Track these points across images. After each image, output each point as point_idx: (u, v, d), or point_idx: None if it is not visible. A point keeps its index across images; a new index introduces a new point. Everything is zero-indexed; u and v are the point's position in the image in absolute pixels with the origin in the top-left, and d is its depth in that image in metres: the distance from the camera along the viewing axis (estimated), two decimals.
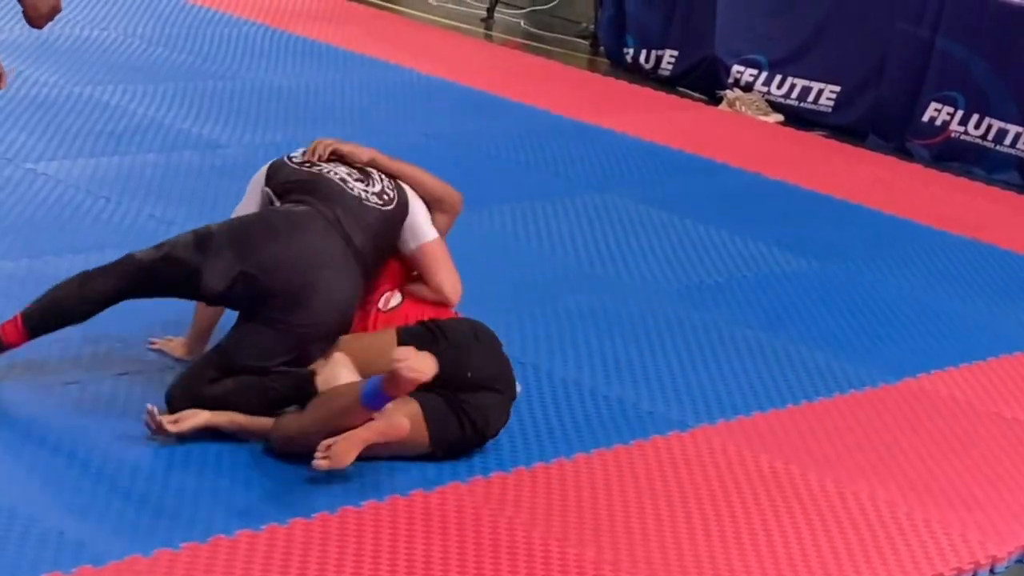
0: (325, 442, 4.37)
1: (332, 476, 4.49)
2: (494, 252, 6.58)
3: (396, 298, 5.01)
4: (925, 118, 9.33)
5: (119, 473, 4.42)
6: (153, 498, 4.32)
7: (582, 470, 4.76)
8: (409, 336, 4.69)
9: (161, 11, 9.99)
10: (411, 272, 5.11)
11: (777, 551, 4.43)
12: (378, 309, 4.96)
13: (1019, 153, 9.04)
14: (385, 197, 5.01)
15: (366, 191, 4.98)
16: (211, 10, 10.16)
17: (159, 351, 5.13)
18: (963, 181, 8.82)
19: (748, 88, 9.94)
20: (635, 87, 9.98)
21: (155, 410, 4.54)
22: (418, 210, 5.11)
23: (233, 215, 5.01)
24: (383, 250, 4.97)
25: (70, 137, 7.39)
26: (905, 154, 9.27)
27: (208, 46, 9.37)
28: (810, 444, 5.14)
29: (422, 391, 4.48)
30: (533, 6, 11.72)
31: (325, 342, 4.69)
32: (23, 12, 4.55)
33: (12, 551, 3.96)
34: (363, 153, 5.16)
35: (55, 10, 4.54)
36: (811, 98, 9.78)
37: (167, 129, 7.72)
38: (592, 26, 11.14)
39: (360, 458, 4.40)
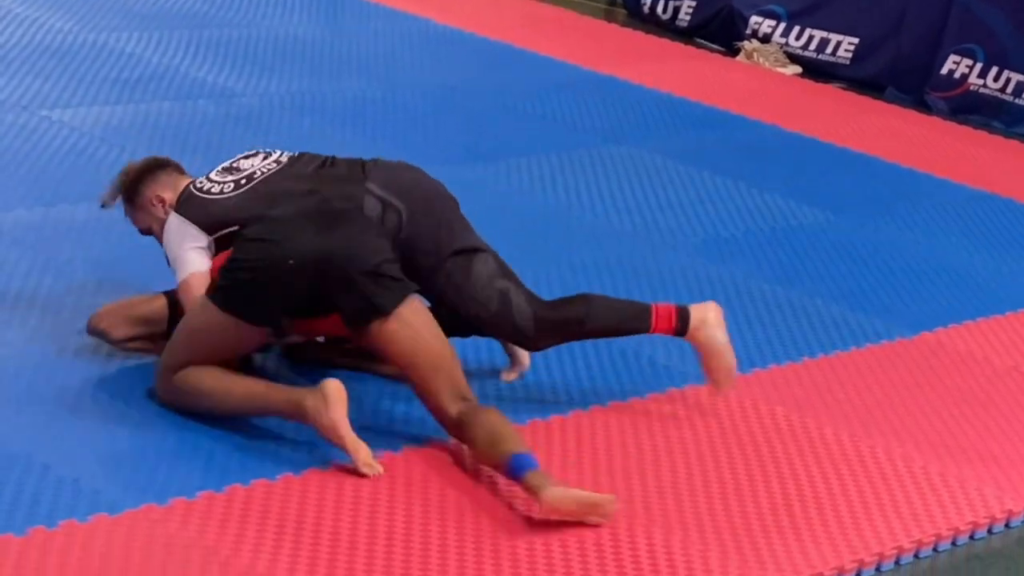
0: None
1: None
2: (509, 205, 6.56)
3: None
4: (944, 71, 9.28)
5: (137, 424, 4.42)
6: (168, 449, 4.32)
7: (598, 422, 4.75)
8: None
9: None
10: None
11: (792, 504, 4.42)
12: None
13: None
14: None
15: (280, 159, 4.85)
16: None
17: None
18: (982, 134, 8.77)
19: (766, 39, 9.89)
20: (652, 38, 9.93)
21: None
22: None
23: (185, 275, 4.63)
24: None
25: (85, 84, 7.37)
26: (923, 107, 9.23)
27: None
28: (826, 397, 5.12)
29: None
30: None
31: None
32: None
33: (28, 498, 3.96)
34: None
35: None
36: (829, 50, 9.72)
37: (182, 77, 7.70)
38: None
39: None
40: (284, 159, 4.80)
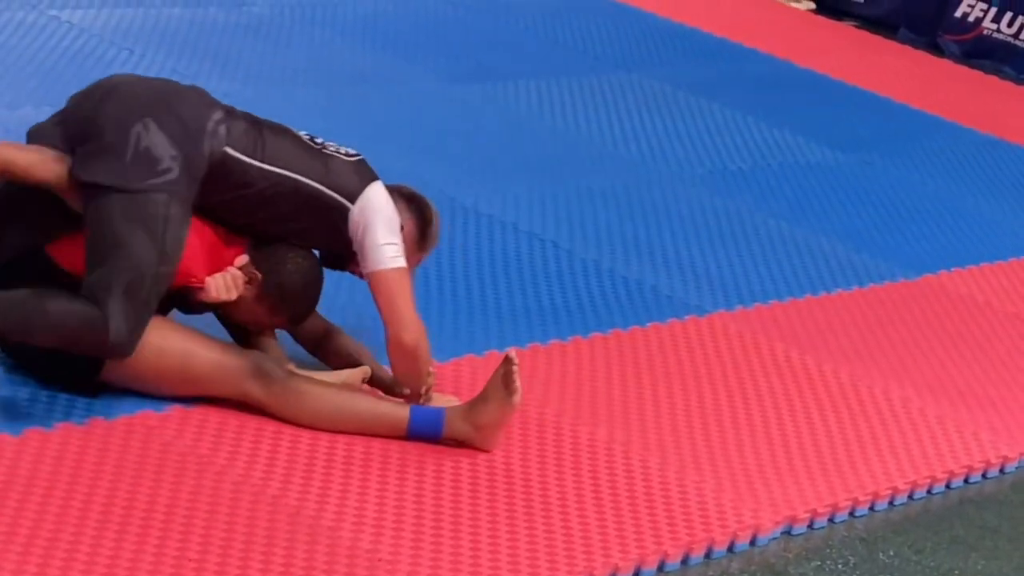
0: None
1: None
2: (515, 127, 6.53)
3: None
4: (958, 14, 9.23)
5: None
6: None
7: (598, 350, 4.74)
8: None
9: None
10: None
11: (788, 440, 4.42)
12: None
13: None
14: None
15: None
16: None
17: None
18: (993, 79, 8.73)
19: None
20: None
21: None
22: None
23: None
24: None
25: None
26: (936, 49, 9.18)
27: None
28: (827, 335, 5.12)
29: None
30: None
31: None
32: None
33: (24, 401, 3.95)
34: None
35: None
36: None
37: None
38: None
39: None
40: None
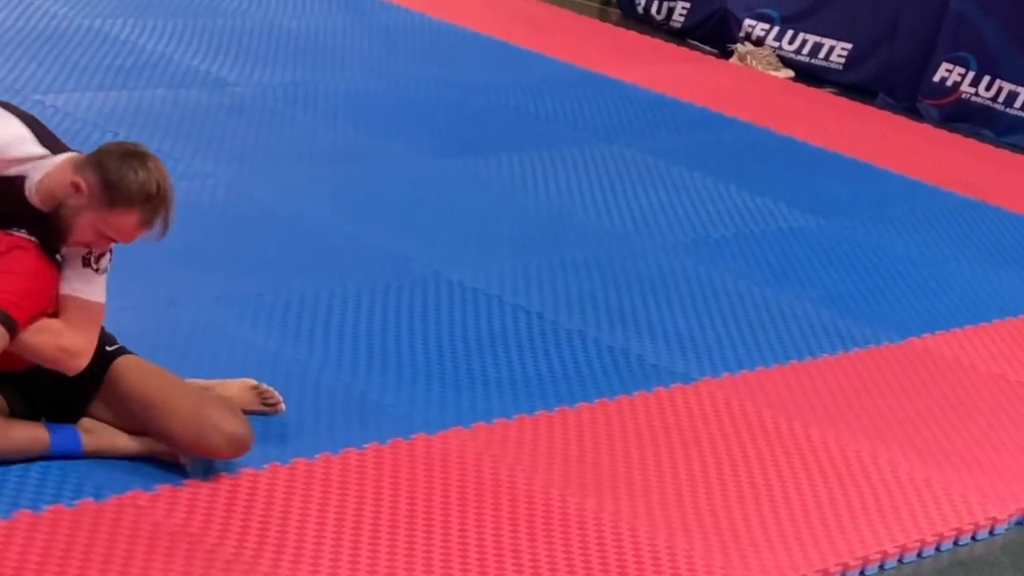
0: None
1: (339, 417, 4.49)
2: (499, 201, 6.57)
3: None
4: (936, 78, 9.30)
5: None
6: None
7: (585, 419, 4.75)
8: None
9: None
10: None
11: (778, 506, 4.43)
12: None
13: None
14: None
15: None
16: None
17: None
18: (972, 143, 8.80)
19: (759, 42, 9.90)
20: (646, 38, 9.95)
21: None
22: None
23: None
24: None
25: (79, 70, 7.36)
26: (915, 114, 9.25)
27: None
28: (813, 401, 5.13)
29: None
30: None
31: None
32: None
33: (13, 483, 3.95)
34: None
35: None
36: (822, 55, 9.74)
37: (176, 65, 7.69)
38: None
39: None
40: None
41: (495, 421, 4.66)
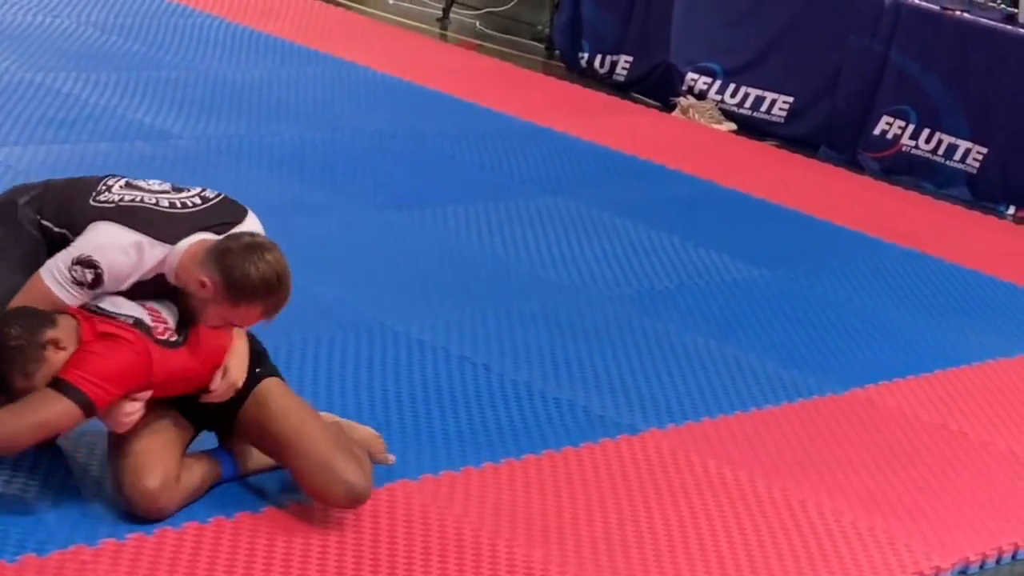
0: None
1: (280, 474, 4.48)
2: (445, 252, 6.57)
3: None
4: (877, 131, 9.38)
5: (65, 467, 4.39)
6: (102, 491, 4.28)
7: (531, 471, 4.75)
8: None
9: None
10: None
11: (724, 556, 4.44)
12: None
13: (968, 168, 9.11)
14: None
15: None
16: (165, 0, 10.11)
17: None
18: (913, 195, 8.88)
19: (702, 96, 9.97)
20: (589, 91, 9.99)
21: None
22: None
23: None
24: None
25: (21, 123, 7.33)
26: (856, 166, 9.32)
27: (162, 36, 9.32)
28: (758, 451, 5.15)
29: None
30: (488, 7, 11.73)
31: None
32: None
33: None
34: None
35: None
36: (764, 108, 9.81)
37: (119, 118, 7.67)
38: (547, 29, 11.15)
39: None
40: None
41: (442, 473, 4.65)
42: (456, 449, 4.84)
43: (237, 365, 4.26)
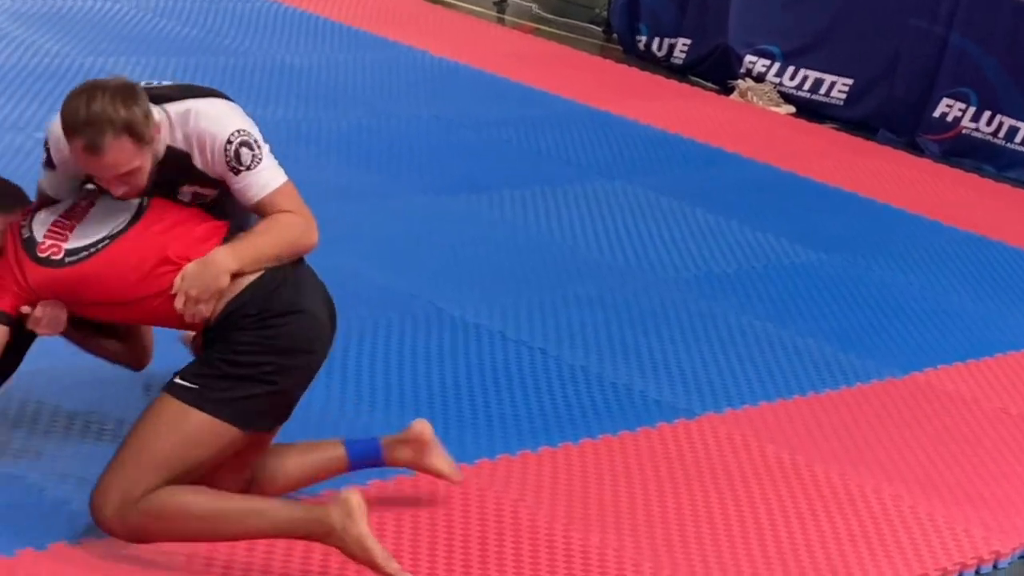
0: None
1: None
2: (501, 237, 6.57)
3: None
4: (936, 114, 9.32)
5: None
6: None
7: (588, 455, 4.75)
8: None
9: None
10: None
11: (781, 541, 4.42)
12: None
13: None
14: None
15: None
16: None
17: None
18: (973, 177, 8.80)
19: (760, 79, 9.92)
20: (647, 75, 9.97)
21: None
22: None
23: None
24: None
25: None
26: (915, 149, 9.26)
27: (219, 21, 9.36)
28: (816, 436, 5.13)
29: None
30: None
31: None
32: None
33: None
34: None
35: None
36: (823, 91, 9.76)
37: None
38: (605, 12, 11.13)
39: None
40: None
41: (499, 457, 4.66)
42: (513, 433, 4.85)
43: (194, 274, 3.86)
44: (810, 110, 9.72)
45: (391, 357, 5.25)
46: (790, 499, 4.66)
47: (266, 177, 4.01)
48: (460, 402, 5.00)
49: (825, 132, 9.34)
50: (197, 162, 4.00)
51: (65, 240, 3.96)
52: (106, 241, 3.93)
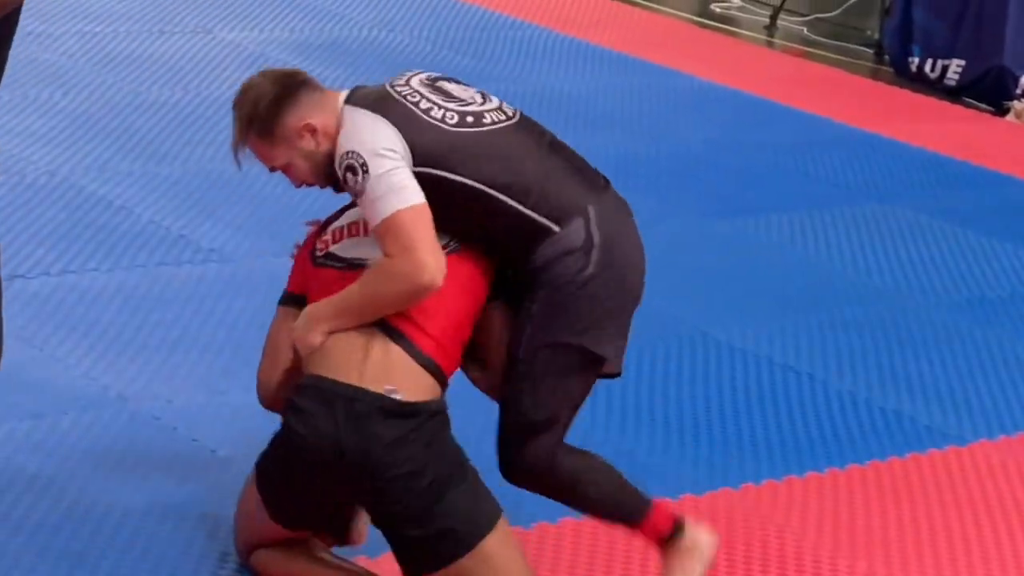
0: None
1: None
2: (768, 261, 6.54)
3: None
4: None
5: None
6: None
7: (855, 481, 4.70)
8: None
9: (441, 12, 10.10)
10: None
11: None
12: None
13: None
14: None
15: None
16: (488, 11, 10.22)
17: None
18: None
19: None
20: (919, 97, 9.80)
21: None
22: None
23: None
24: None
25: None
26: None
27: (491, 49, 9.48)
28: None
29: None
30: (816, 13, 11.61)
31: None
32: None
33: None
34: None
35: None
36: None
37: None
38: (877, 35, 10.98)
39: None
40: (511, 112, 4.00)
41: (764, 482, 4.63)
42: (779, 458, 4.82)
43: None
44: None
45: (656, 380, 5.26)
46: None
47: (377, 208, 3.60)
48: (725, 426, 4.99)
49: None
50: None
51: (331, 239, 3.81)
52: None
